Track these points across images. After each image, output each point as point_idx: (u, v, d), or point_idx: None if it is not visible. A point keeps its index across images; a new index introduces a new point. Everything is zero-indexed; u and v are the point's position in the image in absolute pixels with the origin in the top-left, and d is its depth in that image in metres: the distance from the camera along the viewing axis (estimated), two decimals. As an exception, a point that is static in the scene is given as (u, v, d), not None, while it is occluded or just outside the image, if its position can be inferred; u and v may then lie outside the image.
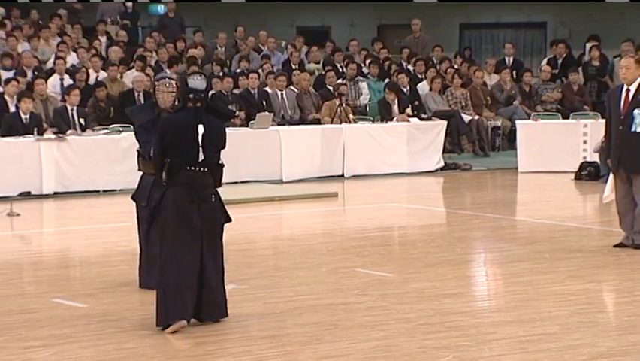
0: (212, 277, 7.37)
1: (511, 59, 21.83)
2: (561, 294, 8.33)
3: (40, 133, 14.95)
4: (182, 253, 7.27)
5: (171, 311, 7.20)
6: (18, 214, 12.78)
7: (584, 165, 16.48)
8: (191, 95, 7.38)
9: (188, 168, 7.32)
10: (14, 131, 15.00)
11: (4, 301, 8.26)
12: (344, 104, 17.73)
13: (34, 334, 7.22)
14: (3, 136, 15.03)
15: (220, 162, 7.52)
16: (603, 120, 17.67)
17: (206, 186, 7.40)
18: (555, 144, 17.31)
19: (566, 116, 18.71)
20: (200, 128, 7.33)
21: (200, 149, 7.32)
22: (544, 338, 6.99)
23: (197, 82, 7.41)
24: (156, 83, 8.39)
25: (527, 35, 26.90)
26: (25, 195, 14.33)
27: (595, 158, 16.39)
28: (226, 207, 7.57)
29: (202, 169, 7.36)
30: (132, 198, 8.54)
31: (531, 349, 6.76)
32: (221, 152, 7.54)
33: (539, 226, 12.11)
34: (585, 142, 17.11)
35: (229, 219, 7.59)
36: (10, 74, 17.44)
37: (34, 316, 7.75)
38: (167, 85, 8.29)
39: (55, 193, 14.71)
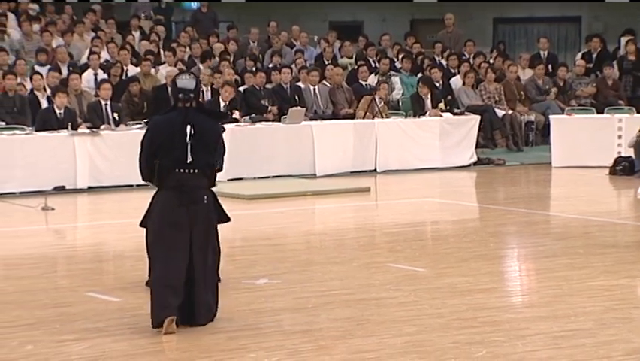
0: (201, 278, 7.20)
1: (546, 54, 21.69)
2: (595, 290, 8.27)
3: (75, 128, 15.05)
4: (168, 256, 7.14)
5: (156, 313, 7.12)
6: (52, 208, 12.86)
7: (618, 160, 16.36)
8: (180, 95, 7.23)
9: (177, 170, 7.17)
10: (49, 126, 15.12)
11: (38, 294, 8.32)
12: (379, 103, 17.67)
13: (69, 328, 7.27)
14: (38, 131, 15.15)
15: (219, 164, 7.35)
16: (638, 115, 17.76)
17: (198, 187, 7.22)
18: (589, 139, 17.19)
19: (600, 111, 18.57)
20: (189, 129, 7.14)
21: (189, 150, 7.14)
22: (578, 334, 6.95)
23: (185, 81, 7.26)
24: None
25: (561, 30, 26.73)
26: (60, 190, 14.42)
27: (630, 153, 16.27)
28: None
29: (192, 171, 7.17)
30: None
31: (565, 345, 6.72)
32: (227, 154, 7.40)
33: (573, 221, 12.04)
34: (620, 137, 16.98)
35: (226, 219, 7.47)
36: (44, 70, 17.58)
37: (69, 310, 7.79)
38: None
39: (89, 188, 14.80)
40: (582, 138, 17.26)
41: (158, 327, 7.12)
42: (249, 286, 8.42)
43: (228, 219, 7.54)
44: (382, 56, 20.31)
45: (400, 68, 20.44)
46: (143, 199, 7.97)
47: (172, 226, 7.18)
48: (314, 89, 18.51)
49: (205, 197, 7.25)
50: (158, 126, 7.32)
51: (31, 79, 16.88)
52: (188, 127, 7.16)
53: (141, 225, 7.63)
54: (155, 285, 7.22)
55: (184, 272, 7.16)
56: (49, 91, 16.38)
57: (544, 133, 19.27)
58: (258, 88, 18.11)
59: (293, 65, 19.82)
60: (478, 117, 17.86)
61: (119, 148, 14.86)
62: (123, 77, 17.95)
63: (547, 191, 15.86)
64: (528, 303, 8.04)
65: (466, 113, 18.14)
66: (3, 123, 15.47)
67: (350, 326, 7.22)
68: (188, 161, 7.16)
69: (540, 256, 9.79)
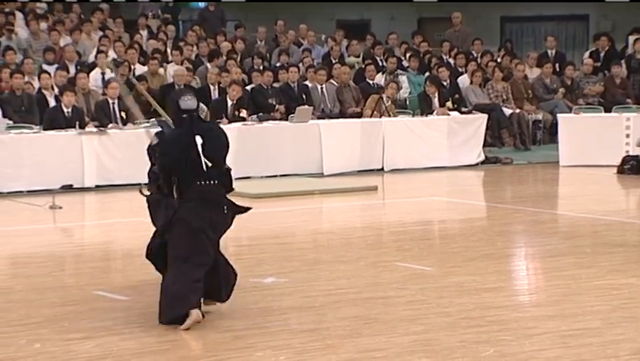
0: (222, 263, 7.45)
1: (554, 52, 21.67)
2: (603, 289, 8.26)
3: (82, 127, 15.09)
4: (194, 258, 7.19)
5: (175, 307, 7.13)
6: (60, 207, 12.90)
7: (626, 159, 16.35)
8: (184, 116, 7.28)
9: (198, 182, 7.21)
10: (57, 124, 15.16)
11: (46, 293, 8.34)
12: (387, 102, 17.66)
13: (76, 326, 7.28)
14: (46, 129, 15.19)
15: (226, 166, 7.42)
16: (646, 114, 17.75)
17: (219, 196, 7.30)
18: (597, 138, 17.17)
19: (608, 110, 18.55)
20: (199, 140, 7.17)
21: (203, 160, 7.18)
22: (586, 333, 6.95)
23: (189, 102, 7.29)
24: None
25: (569, 28, 26.70)
26: (68, 188, 14.46)
27: (638, 151, 16.26)
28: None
29: (211, 182, 7.23)
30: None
31: (573, 344, 6.71)
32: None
33: (581, 220, 12.03)
34: (628, 136, 16.96)
35: (245, 209, 7.58)
36: (52, 68, 17.62)
37: (76, 308, 7.81)
38: None
39: (96, 186, 14.84)
40: (590, 136, 17.25)
41: (170, 323, 7.13)
42: (256, 284, 8.43)
43: (248, 208, 7.59)
44: (390, 55, 20.32)
45: (408, 66, 20.44)
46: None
47: (199, 240, 7.20)
48: (321, 88, 18.52)
49: (225, 207, 7.32)
50: (168, 143, 7.30)
51: (38, 78, 16.93)
52: (198, 137, 7.19)
53: (160, 235, 7.54)
54: (177, 284, 7.17)
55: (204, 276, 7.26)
56: (56, 90, 16.42)
57: (551, 132, 19.26)
58: (265, 87, 18.12)
59: (300, 64, 19.83)
60: (486, 116, 17.85)
61: (127, 147, 14.88)
62: (131, 76, 17.97)
63: (555, 190, 15.85)
64: (535, 302, 8.04)
65: (473, 111, 18.14)
66: (11, 122, 15.51)
67: (357, 324, 7.22)
68: (206, 170, 7.19)
69: (547, 255, 9.79)
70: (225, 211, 7.32)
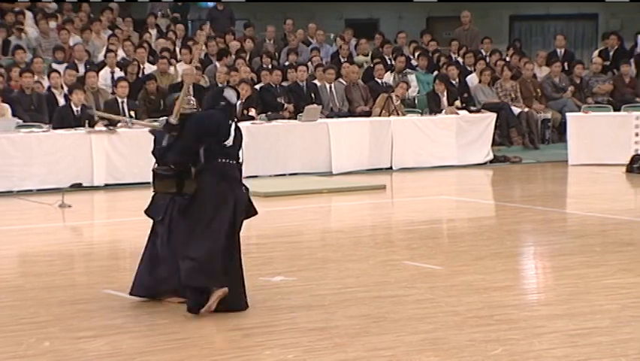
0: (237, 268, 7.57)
1: (563, 51, 21.65)
2: (612, 288, 8.26)
3: (92, 125, 15.12)
4: (219, 234, 7.42)
5: (205, 282, 7.37)
6: (70, 206, 12.93)
7: (635, 158, 16.32)
8: (222, 103, 7.69)
9: (221, 160, 7.54)
10: (66, 123, 15.20)
11: (56, 292, 8.37)
12: (396, 102, 17.66)
13: (86, 324, 7.31)
14: (55, 128, 15.23)
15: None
16: (655, 112, 17.71)
17: (239, 178, 7.66)
18: (606, 137, 17.16)
19: (617, 109, 18.54)
20: (233, 125, 7.67)
21: (232, 142, 7.60)
22: (594, 332, 6.94)
23: (232, 93, 7.81)
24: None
25: (578, 27, 26.65)
26: (77, 187, 14.47)
27: (647, 150, 16.24)
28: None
29: (233, 162, 7.61)
30: (146, 213, 8.14)
31: (581, 343, 6.71)
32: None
33: (590, 219, 12.02)
34: (637, 134, 16.94)
35: (254, 212, 7.80)
36: (62, 67, 17.66)
37: (86, 306, 7.83)
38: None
39: (106, 185, 14.88)
40: (599, 135, 17.23)
41: (197, 304, 7.31)
42: (265, 283, 8.45)
43: (256, 212, 7.85)
44: (398, 54, 20.32)
45: (416, 65, 20.44)
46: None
47: (224, 207, 7.46)
48: (330, 87, 18.53)
49: (244, 187, 7.69)
50: (210, 116, 7.67)
51: (48, 77, 16.97)
52: (233, 124, 7.66)
53: (146, 213, 7.89)
54: (204, 258, 7.37)
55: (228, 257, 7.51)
56: (66, 89, 16.46)
57: (560, 131, 19.24)
58: (274, 86, 18.14)
59: (309, 63, 19.84)
60: (495, 115, 17.84)
61: (136, 145, 14.90)
62: (140, 75, 18.01)
63: (564, 189, 15.83)
64: (544, 301, 8.03)
65: (482, 110, 18.13)
66: (21, 121, 15.54)
67: (366, 323, 7.23)
68: (232, 152, 7.60)
69: (556, 254, 9.78)
70: (244, 190, 7.67)
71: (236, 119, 7.86)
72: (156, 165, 8.06)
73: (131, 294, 8.01)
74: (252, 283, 8.38)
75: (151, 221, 8.08)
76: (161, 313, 7.52)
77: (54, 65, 17.91)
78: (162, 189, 8.03)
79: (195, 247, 7.41)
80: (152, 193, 8.14)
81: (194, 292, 7.44)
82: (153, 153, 8.11)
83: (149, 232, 8.07)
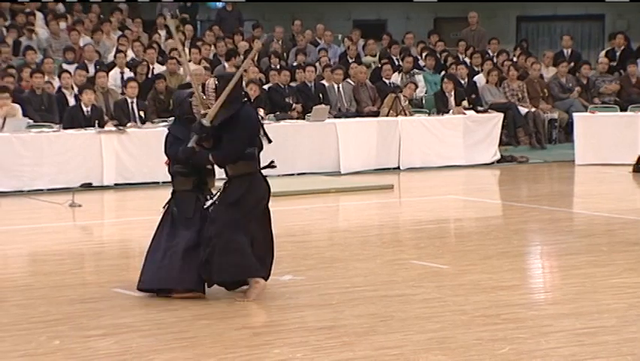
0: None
1: (569, 52, 21.66)
2: (619, 287, 8.29)
3: (102, 125, 15.19)
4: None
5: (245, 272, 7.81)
6: (80, 205, 12.99)
7: (642, 158, 16.33)
8: (245, 100, 8.03)
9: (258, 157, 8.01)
10: (76, 123, 15.27)
11: (66, 290, 8.41)
12: (404, 102, 17.69)
13: (96, 323, 7.35)
14: (65, 128, 15.30)
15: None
16: (662, 113, 17.71)
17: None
18: (613, 137, 17.17)
19: (623, 109, 18.54)
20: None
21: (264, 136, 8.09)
22: (601, 331, 6.97)
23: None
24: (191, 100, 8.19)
25: (585, 27, 26.66)
26: (87, 187, 14.54)
27: (653, 150, 16.24)
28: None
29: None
30: (168, 210, 8.11)
31: (588, 342, 6.74)
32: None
33: (596, 219, 12.04)
34: (644, 134, 16.94)
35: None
36: (72, 68, 17.74)
37: (96, 305, 7.88)
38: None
39: (115, 185, 14.94)
40: (605, 135, 17.24)
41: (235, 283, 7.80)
42: (274, 282, 8.48)
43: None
44: (406, 54, 20.35)
45: (424, 65, 20.47)
46: (169, 196, 8.08)
47: (260, 213, 7.96)
48: (338, 87, 18.57)
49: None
50: (251, 116, 7.96)
51: (59, 77, 17.05)
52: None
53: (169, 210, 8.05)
54: (242, 250, 7.70)
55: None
56: (76, 89, 16.54)
57: (567, 131, 19.27)
58: (282, 86, 18.19)
59: (317, 64, 19.88)
60: (502, 115, 17.86)
61: (145, 145, 14.98)
62: (149, 76, 18.08)
63: (571, 188, 15.85)
64: (551, 300, 8.06)
65: (489, 110, 18.15)
66: (31, 121, 15.62)
67: (373, 322, 7.27)
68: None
69: (563, 254, 9.81)
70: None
71: None
72: (175, 165, 8.10)
73: (139, 289, 8.07)
74: (261, 282, 8.42)
75: (158, 219, 8.16)
76: (170, 311, 7.57)
77: (64, 66, 17.99)
78: (184, 187, 8.08)
79: (235, 240, 7.69)
80: (172, 192, 8.19)
81: (233, 285, 7.90)
82: (166, 153, 8.14)
83: (156, 227, 8.14)
